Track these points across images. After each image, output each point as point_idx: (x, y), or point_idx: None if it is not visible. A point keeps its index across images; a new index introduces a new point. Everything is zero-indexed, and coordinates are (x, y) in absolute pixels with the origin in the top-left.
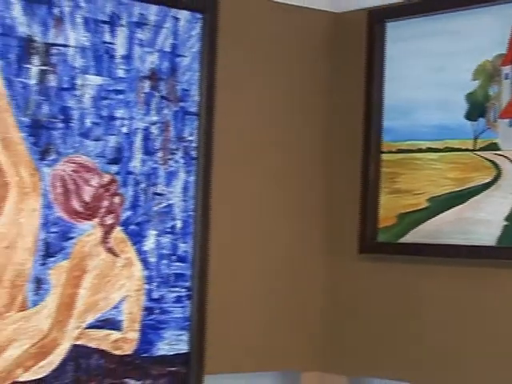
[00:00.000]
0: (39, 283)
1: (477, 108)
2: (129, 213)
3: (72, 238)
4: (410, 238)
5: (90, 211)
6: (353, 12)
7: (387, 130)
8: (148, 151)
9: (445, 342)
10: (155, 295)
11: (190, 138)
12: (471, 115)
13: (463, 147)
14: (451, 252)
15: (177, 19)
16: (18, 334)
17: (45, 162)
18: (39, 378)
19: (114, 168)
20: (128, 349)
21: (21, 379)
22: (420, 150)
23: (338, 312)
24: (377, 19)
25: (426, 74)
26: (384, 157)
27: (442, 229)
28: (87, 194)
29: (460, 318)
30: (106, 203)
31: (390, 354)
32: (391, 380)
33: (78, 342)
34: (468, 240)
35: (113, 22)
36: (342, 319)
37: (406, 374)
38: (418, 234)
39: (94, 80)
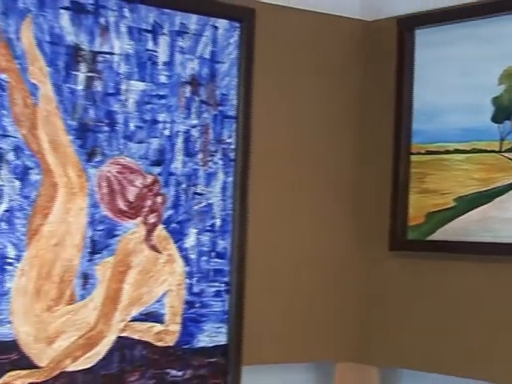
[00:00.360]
0: (86, 278)
1: (503, 111)
2: (170, 212)
3: (117, 235)
4: (437, 235)
5: (133, 210)
6: (383, 20)
7: (416, 132)
8: (189, 153)
9: (471, 334)
10: (195, 290)
11: (229, 141)
12: (497, 118)
13: (489, 149)
14: (477, 249)
15: (216, 28)
16: (67, 326)
17: (91, 163)
18: (86, 368)
19: (157, 169)
20: (170, 340)
21: (69, 369)
22: (448, 152)
23: (370, 305)
24: (406, 27)
25: (454, 79)
26: (413, 158)
27: (468, 227)
28: (131, 193)
29: (486, 311)
30: (149, 203)
31: (418, 345)
32: (419, 371)
33: (123, 334)
34: (494, 238)
35: (155, 31)
36: (373, 312)
37: (434, 365)
38: (446, 232)
39: (138, 86)
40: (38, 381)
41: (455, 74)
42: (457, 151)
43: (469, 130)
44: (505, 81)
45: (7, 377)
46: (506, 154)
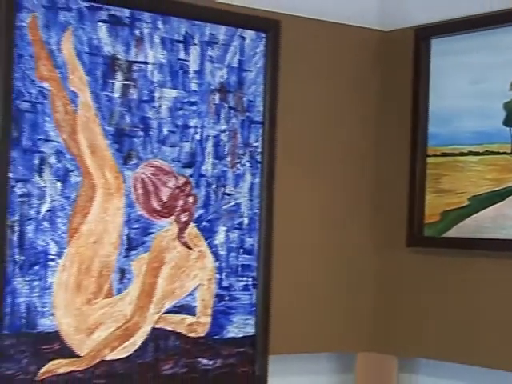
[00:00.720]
0: (123, 273)
1: None
2: (201, 211)
3: (151, 233)
4: (452, 233)
5: (167, 210)
6: (400, 30)
7: (432, 135)
8: (218, 156)
9: (485, 325)
10: (225, 284)
11: (255, 144)
12: (509, 122)
13: (501, 151)
14: (490, 245)
15: (243, 38)
16: (105, 318)
17: (127, 166)
18: (123, 357)
19: (188, 171)
20: (201, 331)
21: (107, 358)
22: (462, 154)
23: (389, 298)
24: (422, 36)
25: (468, 85)
26: (429, 160)
27: (482, 224)
28: (165, 194)
29: (499, 304)
30: (181, 202)
31: (435, 336)
32: (436, 360)
33: (157, 326)
34: (506, 234)
35: (186, 41)
36: (392, 305)
37: (450, 354)
38: (460, 230)
39: (170, 93)
40: (79, 369)
41: (469, 81)
42: (470, 153)
43: (482, 133)
44: None
45: (50, 365)
46: None
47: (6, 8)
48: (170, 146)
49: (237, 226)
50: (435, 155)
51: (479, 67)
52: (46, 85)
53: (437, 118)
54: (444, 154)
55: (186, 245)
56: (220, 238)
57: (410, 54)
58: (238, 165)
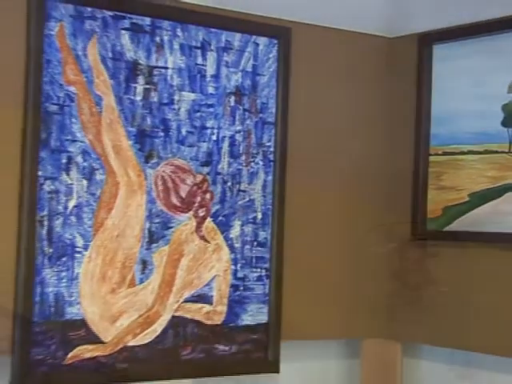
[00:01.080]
0: (145, 264)
1: None
2: (218, 206)
3: (171, 227)
4: (453, 226)
5: (185, 205)
6: (404, 36)
7: (434, 136)
8: (233, 155)
9: (485, 312)
10: (240, 275)
11: (268, 144)
12: (507, 123)
13: (499, 150)
14: (489, 238)
15: (257, 44)
16: (128, 307)
17: (148, 164)
18: (145, 343)
19: (206, 169)
20: (218, 319)
21: (130, 344)
22: (462, 153)
23: (395, 288)
24: (425, 42)
25: (468, 89)
26: (431, 158)
27: (481, 219)
28: (183, 191)
29: (497, 292)
30: (198, 199)
31: (438, 323)
32: (439, 346)
33: (177, 314)
34: (504, 228)
35: (204, 48)
36: (397, 294)
37: (452, 341)
38: (461, 224)
39: (189, 96)
40: (103, 354)
41: (469, 84)
42: (470, 152)
43: (481, 133)
44: None
45: (77, 350)
46: None
47: (36, 17)
48: (189, 146)
49: (251, 220)
50: (437, 154)
51: (479, 71)
52: (72, 88)
53: (439, 119)
54: (445, 153)
55: (203, 238)
56: (235, 231)
57: (414, 59)
58: (252, 163)
